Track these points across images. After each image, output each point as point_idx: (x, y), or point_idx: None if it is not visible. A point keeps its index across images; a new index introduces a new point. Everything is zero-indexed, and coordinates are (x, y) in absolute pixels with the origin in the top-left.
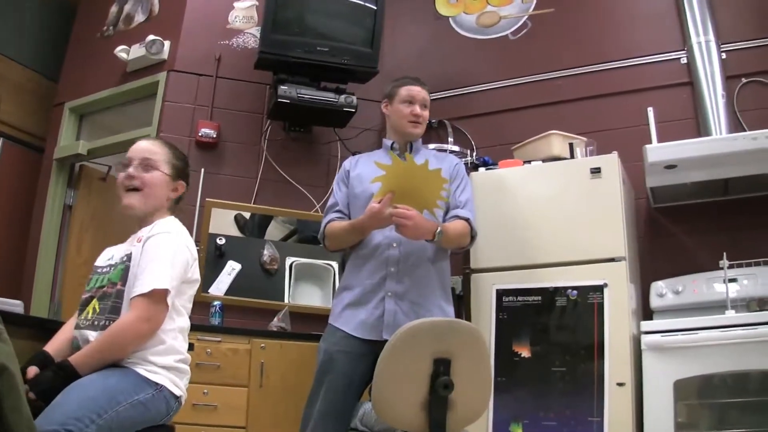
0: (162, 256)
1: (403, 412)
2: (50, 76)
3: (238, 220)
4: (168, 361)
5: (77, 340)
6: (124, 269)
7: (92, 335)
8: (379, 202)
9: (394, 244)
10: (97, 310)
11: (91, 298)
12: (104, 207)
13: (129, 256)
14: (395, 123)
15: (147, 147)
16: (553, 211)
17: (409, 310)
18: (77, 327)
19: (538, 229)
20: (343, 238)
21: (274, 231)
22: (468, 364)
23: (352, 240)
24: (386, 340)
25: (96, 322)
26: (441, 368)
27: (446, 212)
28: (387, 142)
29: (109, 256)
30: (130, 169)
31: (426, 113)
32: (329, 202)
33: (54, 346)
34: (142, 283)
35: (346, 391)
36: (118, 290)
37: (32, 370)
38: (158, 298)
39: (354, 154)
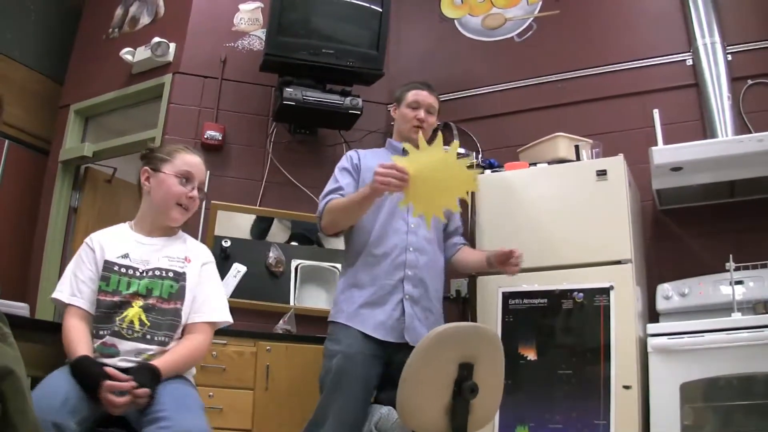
0: (221, 287)
1: (428, 417)
2: (56, 78)
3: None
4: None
5: (114, 348)
6: (180, 288)
7: (149, 349)
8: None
9: (411, 248)
10: (147, 323)
11: (123, 303)
12: (110, 209)
13: (182, 276)
14: (400, 126)
15: (204, 171)
16: (559, 213)
17: (422, 315)
18: (116, 334)
19: (544, 232)
20: (345, 214)
21: (279, 233)
22: (488, 368)
23: (353, 216)
24: (405, 343)
25: (150, 336)
26: (465, 373)
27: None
28: (396, 143)
29: (123, 253)
30: (195, 192)
31: (432, 119)
32: (330, 187)
33: (89, 351)
34: (212, 311)
35: (364, 396)
36: (176, 309)
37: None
38: (216, 327)
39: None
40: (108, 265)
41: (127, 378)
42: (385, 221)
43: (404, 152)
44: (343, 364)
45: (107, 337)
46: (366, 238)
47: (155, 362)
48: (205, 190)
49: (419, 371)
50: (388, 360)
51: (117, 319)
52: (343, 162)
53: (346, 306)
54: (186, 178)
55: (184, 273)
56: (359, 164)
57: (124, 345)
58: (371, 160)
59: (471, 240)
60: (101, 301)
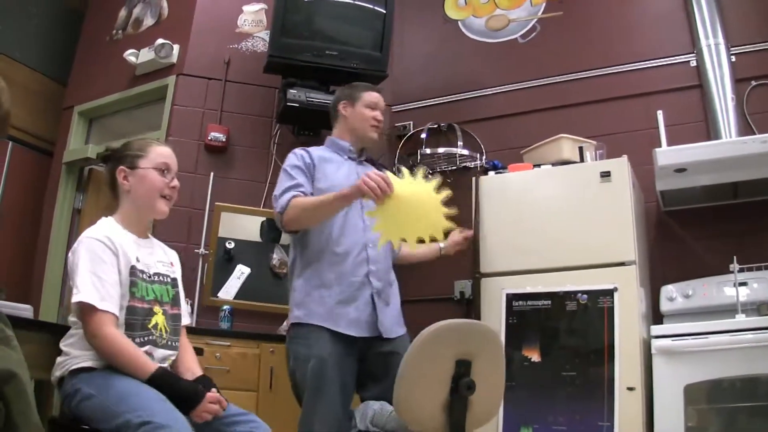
0: None
1: (425, 414)
2: (59, 80)
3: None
4: None
5: (151, 356)
6: (176, 294)
7: (172, 355)
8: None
9: (370, 245)
10: (168, 329)
11: (151, 311)
12: (113, 210)
13: (176, 282)
14: (356, 125)
15: (176, 160)
16: (563, 214)
17: (387, 308)
18: (155, 344)
19: (548, 233)
20: (314, 213)
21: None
22: (486, 366)
23: (323, 216)
24: (376, 336)
25: (171, 342)
26: (462, 369)
27: None
28: (343, 143)
29: (136, 256)
30: (175, 182)
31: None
32: (287, 183)
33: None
34: (187, 315)
35: (343, 399)
36: (179, 314)
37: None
38: None
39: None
40: (134, 271)
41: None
42: (343, 219)
43: (380, 167)
44: (319, 369)
45: (147, 346)
46: (326, 237)
47: (197, 370)
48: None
49: (416, 367)
50: (361, 356)
51: (149, 326)
52: (296, 160)
53: (317, 307)
54: (164, 169)
55: (176, 279)
56: (312, 163)
57: (158, 352)
58: (327, 163)
59: (474, 242)
60: (136, 308)
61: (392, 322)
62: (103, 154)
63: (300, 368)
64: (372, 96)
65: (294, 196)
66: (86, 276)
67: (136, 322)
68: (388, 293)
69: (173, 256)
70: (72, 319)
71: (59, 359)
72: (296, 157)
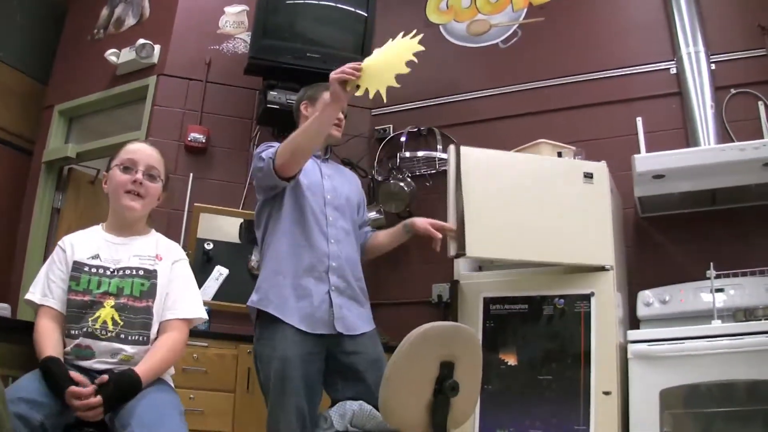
0: (194, 284)
1: (409, 414)
2: (40, 79)
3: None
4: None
5: (89, 349)
6: (151, 286)
7: (124, 349)
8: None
9: (333, 240)
10: (120, 323)
11: (95, 303)
12: (92, 210)
13: (153, 273)
14: None
15: (153, 156)
16: (543, 206)
17: (349, 304)
18: (89, 335)
19: (527, 223)
20: (307, 138)
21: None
22: (467, 368)
23: (317, 137)
24: (339, 334)
25: (124, 335)
26: (446, 371)
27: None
28: None
29: (94, 253)
30: (138, 175)
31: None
32: (269, 145)
33: (57, 352)
34: (186, 308)
35: (310, 397)
36: (147, 307)
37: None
38: (191, 324)
39: (343, 160)
40: (77, 265)
41: (88, 386)
42: (309, 210)
43: (346, 165)
44: (282, 369)
45: (81, 338)
46: (292, 223)
47: (136, 369)
48: (163, 177)
49: (403, 369)
50: (327, 354)
51: (90, 319)
52: (262, 147)
53: (272, 295)
54: (127, 166)
55: (155, 271)
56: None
57: (99, 345)
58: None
59: (460, 215)
60: (72, 301)
61: (355, 318)
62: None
63: (264, 369)
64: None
65: (278, 147)
66: (40, 276)
67: (72, 314)
68: (353, 290)
69: (168, 249)
70: None
71: None
72: (264, 145)
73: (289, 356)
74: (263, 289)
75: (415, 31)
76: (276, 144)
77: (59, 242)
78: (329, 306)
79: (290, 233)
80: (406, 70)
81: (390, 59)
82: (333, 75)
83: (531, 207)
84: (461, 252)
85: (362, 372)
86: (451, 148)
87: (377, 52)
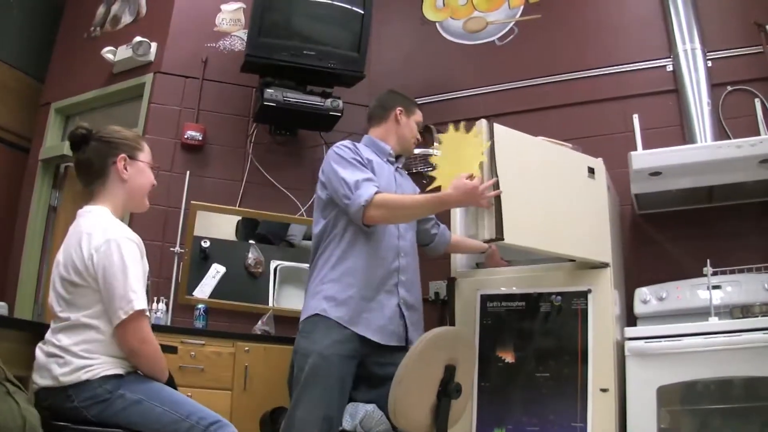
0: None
1: (418, 416)
2: (36, 77)
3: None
4: None
5: None
6: None
7: None
8: (469, 177)
9: (403, 254)
10: None
11: None
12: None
13: None
14: (404, 135)
15: None
16: (550, 193)
17: (413, 318)
18: None
19: (533, 207)
20: (407, 212)
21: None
22: (465, 371)
23: (421, 213)
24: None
25: None
26: (449, 374)
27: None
28: (385, 146)
29: None
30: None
31: None
32: (360, 175)
33: None
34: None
35: (340, 393)
36: None
37: None
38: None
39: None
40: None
41: None
42: (381, 228)
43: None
44: (319, 364)
45: None
46: (366, 237)
47: None
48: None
49: (415, 372)
50: (361, 360)
51: None
52: (351, 153)
53: (343, 305)
54: (151, 167)
55: None
56: (365, 161)
57: None
58: (373, 164)
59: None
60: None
61: (421, 332)
62: (80, 133)
63: (299, 362)
64: (421, 117)
65: (377, 192)
66: (137, 282)
67: None
68: (418, 302)
69: None
70: (85, 321)
71: (77, 362)
72: (351, 150)
73: (328, 354)
74: (334, 298)
75: (478, 128)
76: (369, 175)
77: (136, 241)
78: (400, 318)
79: (364, 245)
80: (478, 172)
81: (462, 160)
82: (480, 201)
83: (549, 196)
84: (500, 236)
85: (389, 381)
86: (483, 122)
87: (447, 147)
